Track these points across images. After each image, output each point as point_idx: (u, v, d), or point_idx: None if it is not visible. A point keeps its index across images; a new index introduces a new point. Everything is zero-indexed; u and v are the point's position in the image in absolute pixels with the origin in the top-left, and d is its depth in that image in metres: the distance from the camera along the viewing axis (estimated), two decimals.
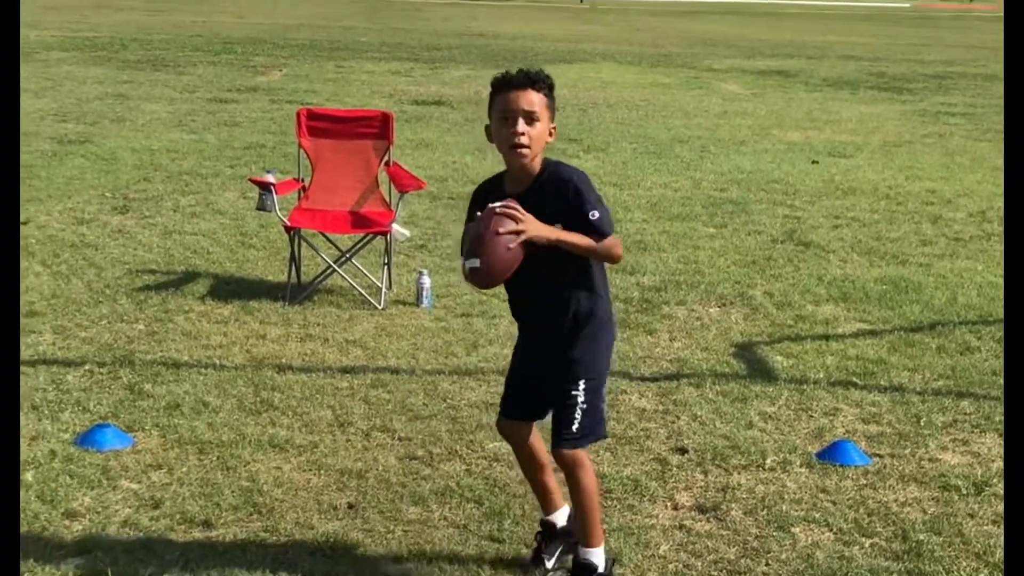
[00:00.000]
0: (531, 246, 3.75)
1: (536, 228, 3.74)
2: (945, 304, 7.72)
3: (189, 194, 10.45)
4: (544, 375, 4.03)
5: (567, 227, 3.79)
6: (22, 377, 5.87)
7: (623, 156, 13.39)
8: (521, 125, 3.77)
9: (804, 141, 15.04)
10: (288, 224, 7.45)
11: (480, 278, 3.79)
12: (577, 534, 4.14)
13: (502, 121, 3.81)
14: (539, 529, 4.33)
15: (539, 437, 4.23)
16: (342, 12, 49.12)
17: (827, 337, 6.99)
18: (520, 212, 3.73)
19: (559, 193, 3.82)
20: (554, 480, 4.28)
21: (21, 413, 5.43)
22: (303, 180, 7.93)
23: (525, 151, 3.79)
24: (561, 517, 4.30)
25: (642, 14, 58.43)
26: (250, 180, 8.50)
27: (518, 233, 3.71)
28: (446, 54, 27.73)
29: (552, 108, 3.86)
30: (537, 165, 3.87)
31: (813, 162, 13.30)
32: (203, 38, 29.99)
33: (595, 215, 3.79)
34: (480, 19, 47.75)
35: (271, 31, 34.02)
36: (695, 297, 7.73)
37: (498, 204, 3.77)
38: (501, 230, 3.70)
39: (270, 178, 7.82)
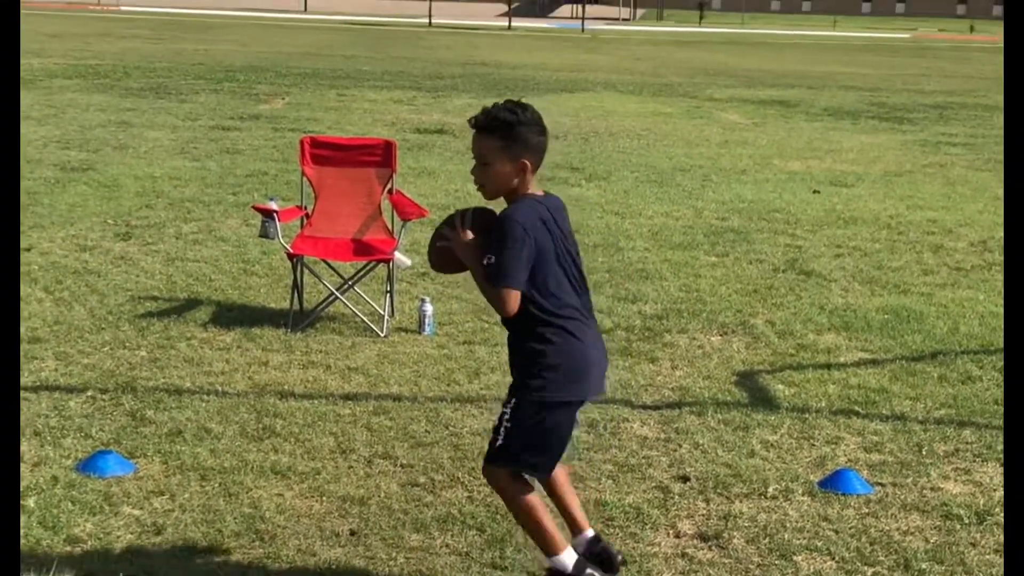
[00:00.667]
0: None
1: (459, 245, 4.04)
2: (947, 333, 7.73)
3: (191, 221, 10.48)
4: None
5: None
6: (24, 403, 5.88)
7: (625, 185, 13.42)
8: (474, 167, 4.05)
9: (805, 171, 15.08)
10: (291, 251, 7.47)
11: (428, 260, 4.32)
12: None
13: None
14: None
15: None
16: (344, 40, 49.33)
17: (829, 366, 7.00)
18: (458, 227, 4.03)
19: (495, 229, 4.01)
20: (571, 502, 4.32)
21: (23, 439, 5.43)
22: (306, 208, 7.95)
23: (481, 191, 4.09)
24: (583, 540, 4.30)
25: (643, 43, 58.66)
26: (253, 207, 8.53)
27: (448, 239, 4.07)
28: (448, 83, 27.84)
29: (511, 148, 3.96)
30: (514, 200, 4.04)
31: (814, 191, 13.33)
32: (206, 66, 30.11)
33: (490, 259, 3.95)
34: (482, 48, 47.95)
35: (273, 59, 34.15)
36: (697, 325, 7.74)
37: (459, 211, 4.14)
38: (440, 229, 4.14)
39: (273, 205, 7.84)
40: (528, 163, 3.98)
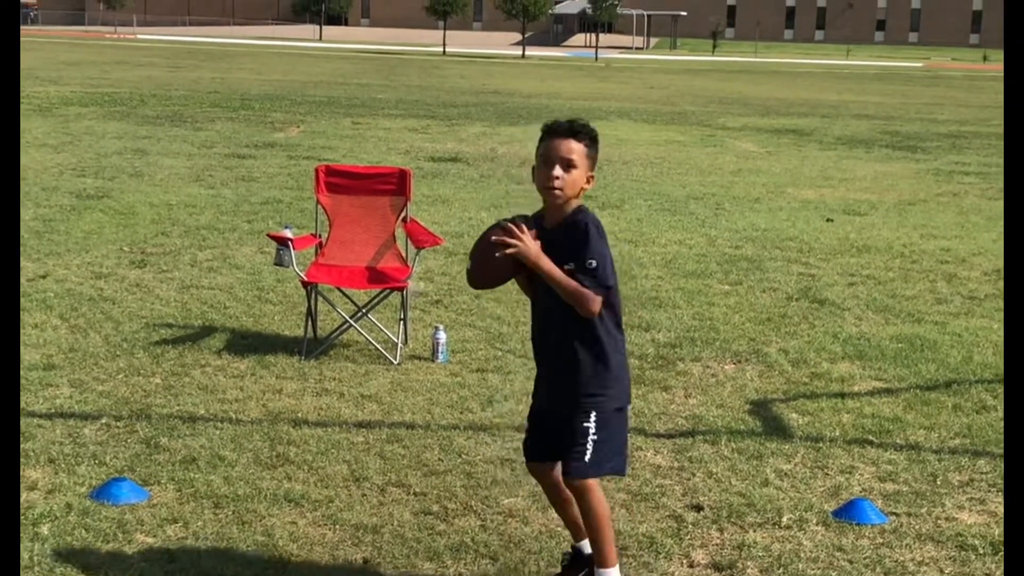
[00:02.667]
0: (534, 274, 4.11)
1: (528, 250, 4.04)
2: (961, 363, 7.71)
3: (206, 248, 10.52)
4: (560, 413, 4.22)
5: (574, 267, 4.06)
6: (39, 430, 5.90)
7: (638, 213, 13.44)
8: (558, 170, 4.07)
9: (818, 199, 15.09)
10: (305, 279, 7.49)
11: (469, 277, 4.26)
12: (595, 556, 4.31)
13: (542, 164, 4.12)
14: (568, 551, 4.57)
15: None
16: (359, 69, 49.51)
17: (843, 395, 6.98)
18: (522, 232, 4.04)
19: (573, 235, 4.08)
20: (575, 510, 4.39)
21: (38, 467, 5.45)
22: (320, 236, 7.98)
23: (558, 192, 4.09)
24: (587, 545, 4.42)
25: (656, 72, 58.76)
26: (268, 235, 8.56)
27: (509, 246, 4.02)
28: (462, 111, 27.94)
29: (592, 158, 4.16)
30: (570, 208, 4.14)
31: (828, 220, 13.33)
32: (221, 94, 30.27)
33: (592, 264, 4.04)
34: (496, 77, 48.09)
35: (289, 88, 34.31)
36: (710, 354, 7.74)
37: (508, 219, 4.11)
38: (494, 238, 4.06)
39: (288, 233, 7.87)
40: (594, 177, 4.20)
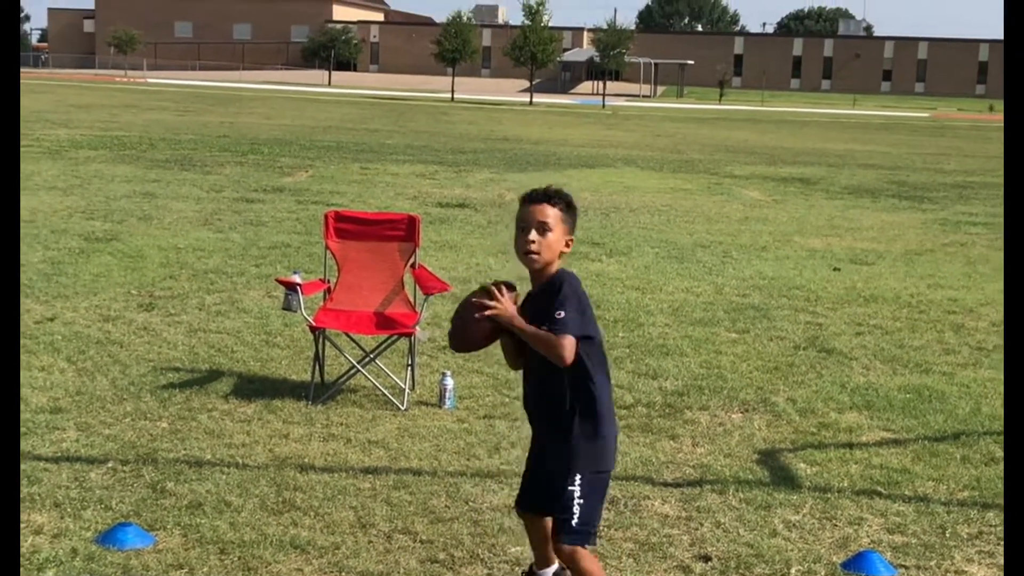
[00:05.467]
0: (511, 333, 4.22)
1: (505, 311, 4.17)
2: (969, 414, 7.69)
3: (214, 292, 10.54)
4: (548, 473, 4.32)
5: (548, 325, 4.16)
6: (45, 474, 5.89)
7: (645, 260, 13.46)
8: (533, 234, 4.19)
9: (825, 248, 15.10)
10: (313, 324, 7.50)
11: (450, 339, 4.40)
12: None
13: (519, 230, 4.25)
14: (525, 570, 4.74)
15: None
16: (368, 115, 49.78)
17: (851, 445, 6.96)
18: (500, 296, 4.17)
19: (549, 294, 4.19)
20: (547, 537, 4.52)
21: (43, 511, 5.44)
22: (328, 281, 7.99)
23: (534, 256, 4.20)
24: (548, 573, 4.61)
25: (663, 120, 59.01)
26: (276, 280, 8.58)
27: (488, 308, 4.17)
28: (470, 157, 28.04)
29: (568, 222, 4.26)
30: (550, 272, 4.25)
31: (835, 269, 13.34)
32: (230, 138, 30.43)
33: (561, 314, 4.12)
34: (504, 123, 48.31)
35: (297, 132, 34.48)
36: (718, 402, 7.72)
37: (491, 283, 4.25)
38: (474, 300, 4.22)
39: (296, 278, 7.88)
40: (572, 241, 4.29)
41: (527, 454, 4.54)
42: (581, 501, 4.22)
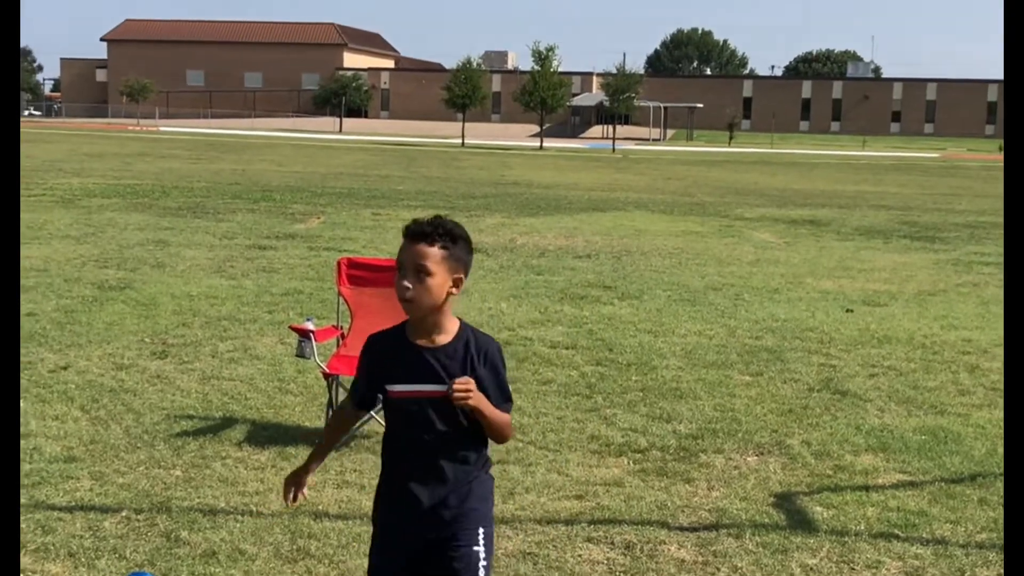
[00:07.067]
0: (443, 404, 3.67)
1: (478, 397, 3.63)
2: (985, 455, 7.64)
3: (227, 339, 10.55)
4: (439, 536, 3.78)
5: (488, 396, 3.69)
6: (59, 523, 5.88)
7: (657, 303, 13.45)
8: (409, 278, 3.64)
9: (838, 290, 15.08)
10: (326, 371, 7.50)
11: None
12: None
13: (397, 270, 3.69)
14: None
15: None
16: (379, 161, 50.00)
17: (867, 488, 6.92)
18: (468, 382, 3.61)
19: (485, 361, 3.71)
20: None
21: (58, 560, 5.43)
22: (341, 327, 8.00)
23: (407, 305, 3.66)
24: None
25: (673, 163, 59.17)
26: (290, 327, 8.59)
27: (464, 399, 3.61)
28: (481, 202, 28.13)
29: (452, 261, 3.66)
30: (446, 321, 3.74)
31: (847, 311, 13.31)
32: (242, 186, 30.58)
33: (509, 391, 3.76)
34: (514, 168, 48.48)
35: (309, 179, 34.64)
36: (732, 446, 7.69)
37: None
38: (456, 395, 3.62)
39: (309, 325, 7.90)
40: (463, 279, 3.72)
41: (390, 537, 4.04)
42: (486, 563, 3.75)
